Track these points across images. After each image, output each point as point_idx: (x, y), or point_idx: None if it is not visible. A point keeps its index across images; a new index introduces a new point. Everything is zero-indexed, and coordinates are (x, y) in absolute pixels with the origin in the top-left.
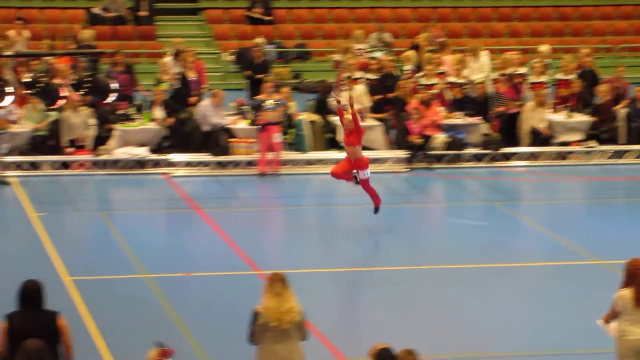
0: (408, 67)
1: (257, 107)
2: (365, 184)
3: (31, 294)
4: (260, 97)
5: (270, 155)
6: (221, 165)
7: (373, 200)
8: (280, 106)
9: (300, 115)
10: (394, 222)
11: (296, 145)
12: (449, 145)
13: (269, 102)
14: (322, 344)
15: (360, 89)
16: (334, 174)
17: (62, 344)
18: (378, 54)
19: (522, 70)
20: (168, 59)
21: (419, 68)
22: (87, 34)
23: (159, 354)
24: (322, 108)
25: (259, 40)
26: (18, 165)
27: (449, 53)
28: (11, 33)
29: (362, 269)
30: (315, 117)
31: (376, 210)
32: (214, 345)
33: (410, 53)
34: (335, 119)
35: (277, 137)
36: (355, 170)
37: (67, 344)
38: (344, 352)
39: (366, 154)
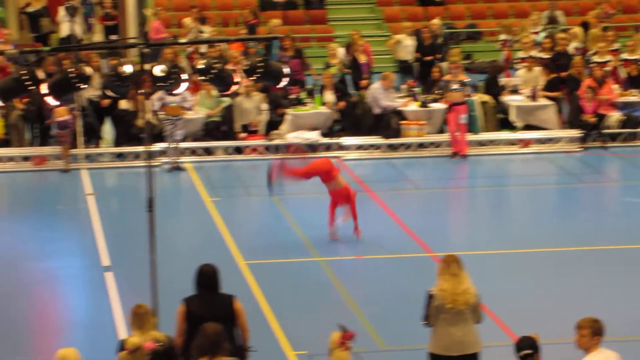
0: (575, 44)
1: (444, 88)
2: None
3: (207, 277)
4: (446, 77)
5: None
6: (392, 147)
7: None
8: (466, 86)
9: (472, 96)
10: (568, 202)
11: (468, 126)
12: (624, 124)
13: (455, 83)
14: (497, 326)
15: (536, 70)
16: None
17: (238, 326)
18: (548, 33)
19: None
20: (340, 49)
21: (586, 45)
22: (274, 22)
23: (342, 337)
24: (493, 88)
25: (435, 21)
26: (192, 151)
27: None
28: (187, 21)
29: (536, 250)
30: (487, 98)
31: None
32: (387, 327)
33: (577, 30)
34: (506, 99)
35: (464, 118)
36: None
37: (242, 327)
38: (519, 334)
39: (539, 133)
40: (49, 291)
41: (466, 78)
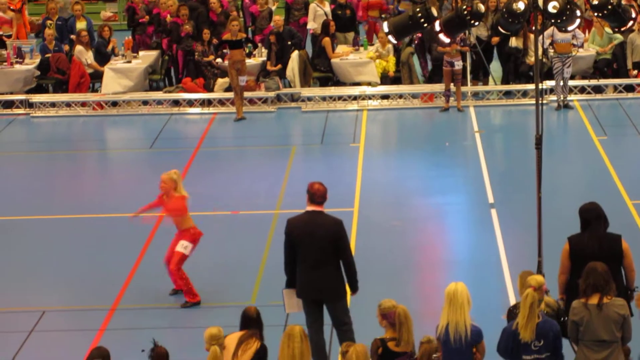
0: None
1: None
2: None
3: (592, 216)
4: None
5: None
6: None
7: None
8: None
9: None
10: None
11: None
12: None
13: None
14: None
15: None
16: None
17: (624, 267)
18: None
19: None
20: None
21: None
22: None
23: None
24: None
25: None
26: (581, 89)
27: None
28: None
29: None
30: None
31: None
32: None
33: None
34: None
35: None
36: None
37: (629, 267)
38: None
39: None
40: (435, 227)
41: None
